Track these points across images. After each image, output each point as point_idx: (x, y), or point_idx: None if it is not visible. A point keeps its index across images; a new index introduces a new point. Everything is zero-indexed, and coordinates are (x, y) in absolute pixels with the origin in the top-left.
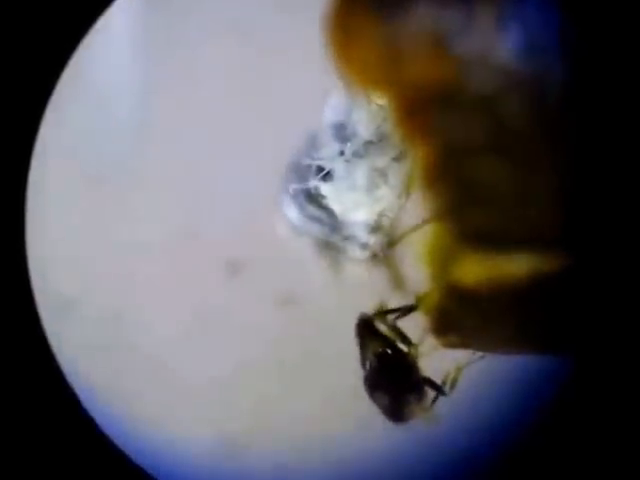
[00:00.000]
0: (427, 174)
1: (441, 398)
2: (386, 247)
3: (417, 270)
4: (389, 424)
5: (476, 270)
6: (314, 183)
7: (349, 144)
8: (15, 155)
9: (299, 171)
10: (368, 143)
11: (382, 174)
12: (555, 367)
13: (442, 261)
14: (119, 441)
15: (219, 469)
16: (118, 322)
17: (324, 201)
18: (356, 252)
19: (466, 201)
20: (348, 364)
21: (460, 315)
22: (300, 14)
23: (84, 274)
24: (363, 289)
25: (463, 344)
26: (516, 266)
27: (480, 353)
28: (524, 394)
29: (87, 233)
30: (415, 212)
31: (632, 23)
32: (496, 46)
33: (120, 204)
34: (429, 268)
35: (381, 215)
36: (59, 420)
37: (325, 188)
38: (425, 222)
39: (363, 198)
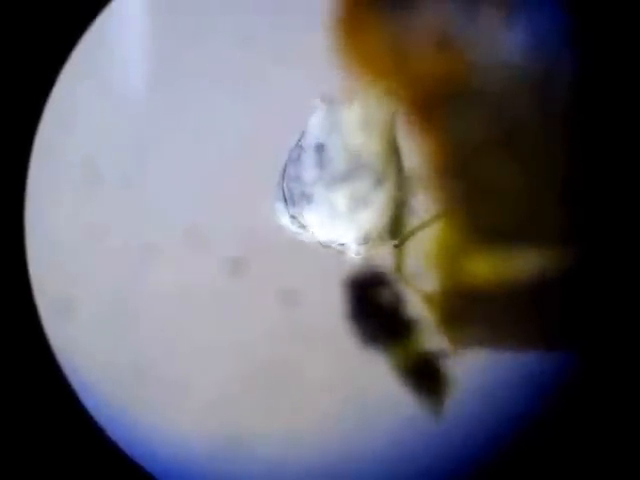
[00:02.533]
0: (436, 171)
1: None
2: (395, 245)
3: (426, 268)
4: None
5: (485, 267)
6: (298, 210)
7: (328, 169)
8: (15, 157)
9: (287, 193)
10: (347, 168)
11: (362, 199)
12: (561, 364)
13: (451, 258)
14: (119, 440)
15: (220, 469)
16: (118, 322)
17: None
18: (352, 255)
19: (475, 198)
20: (350, 363)
21: (469, 312)
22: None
23: (84, 274)
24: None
25: (473, 341)
26: (525, 263)
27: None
28: (529, 391)
29: (88, 233)
30: (424, 210)
31: (638, 20)
32: (503, 43)
33: (121, 204)
34: (439, 265)
35: (366, 234)
36: (59, 419)
37: (307, 216)
38: (434, 219)
39: (344, 224)
